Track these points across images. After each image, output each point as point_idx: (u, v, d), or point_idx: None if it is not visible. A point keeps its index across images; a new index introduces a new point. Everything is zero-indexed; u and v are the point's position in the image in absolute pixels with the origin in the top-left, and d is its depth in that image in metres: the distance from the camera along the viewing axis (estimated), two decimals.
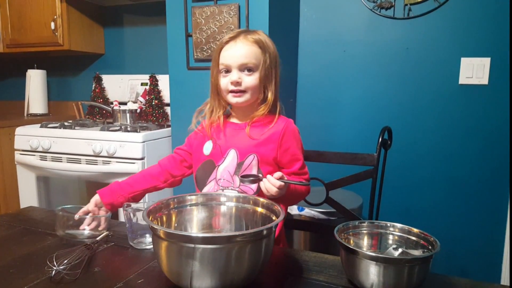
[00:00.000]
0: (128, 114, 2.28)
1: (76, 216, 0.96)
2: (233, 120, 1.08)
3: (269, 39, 1.03)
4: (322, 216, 1.66)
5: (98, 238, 0.89)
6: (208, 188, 1.03)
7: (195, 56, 1.83)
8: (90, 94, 2.58)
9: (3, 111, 3.00)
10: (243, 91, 1.00)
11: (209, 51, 1.79)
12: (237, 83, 0.98)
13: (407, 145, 1.96)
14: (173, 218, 0.81)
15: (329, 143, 2.11)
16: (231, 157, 1.01)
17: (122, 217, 1.62)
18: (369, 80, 2.02)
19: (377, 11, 1.95)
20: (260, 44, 1.00)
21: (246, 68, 0.99)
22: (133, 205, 0.93)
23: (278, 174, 0.87)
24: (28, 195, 2.16)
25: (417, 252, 0.74)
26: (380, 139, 1.25)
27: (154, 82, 2.33)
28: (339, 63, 2.07)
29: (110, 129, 2.05)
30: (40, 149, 2.06)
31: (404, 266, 0.65)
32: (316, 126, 2.14)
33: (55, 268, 0.72)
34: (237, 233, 0.72)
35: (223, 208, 0.85)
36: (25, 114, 2.74)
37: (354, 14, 2.00)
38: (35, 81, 2.71)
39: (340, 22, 2.04)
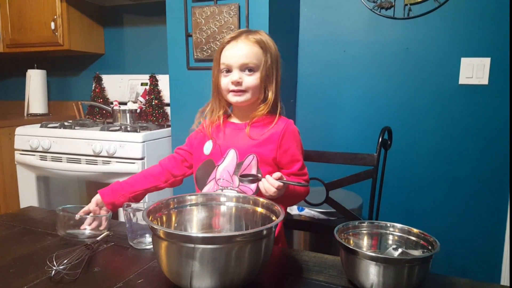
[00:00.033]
0: (128, 114, 2.28)
1: (77, 216, 0.96)
2: (233, 120, 1.08)
3: (270, 40, 1.03)
4: (322, 216, 1.66)
5: (98, 238, 0.89)
6: (208, 188, 1.03)
7: (195, 56, 1.83)
8: (90, 94, 2.58)
9: (3, 111, 3.00)
10: (244, 91, 1.00)
11: (209, 51, 1.79)
12: (238, 83, 0.99)
13: (407, 145, 1.96)
14: (173, 218, 0.81)
15: (329, 143, 2.11)
16: (231, 157, 1.01)
17: (122, 217, 1.62)
18: (369, 80, 2.02)
19: (377, 11, 1.95)
20: (261, 44, 1.00)
21: (247, 68, 0.99)
22: (133, 205, 0.93)
23: (277, 174, 0.87)
24: (28, 195, 2.16)
25: (417, 252, 0.74)
26: (380, 139, 1.25)
27: (154, 82, 2.33)
28: (339, 63, 2.07)
29: (110, 129, 2.05)
30: (40, 149, 2.06)
31: (404, 266, 0.65)
32: (316, 126, 2.14)
33: (55, 268, 0.72)
34: (237, 233, 0.72)
35: (223, 208, 0.85)
36: (25, 114, 2.74)
37: (354, 14, 2.00)
38: (35, 81, 2.71)
39: (340, 22, 2.04)
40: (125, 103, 2.35)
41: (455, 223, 1.93)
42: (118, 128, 2.06)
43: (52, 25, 2.36)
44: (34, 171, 2.13)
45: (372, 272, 0.66)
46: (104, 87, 2.59)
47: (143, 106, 2.35)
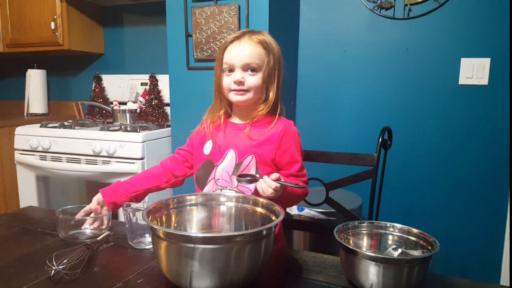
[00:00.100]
0: (128, 114, 2.28)
1: (77, 217, 0.96)
2: (234, 120, 1.08)
3: (273, 40, 1.04)
4: (322, 216, 1.66)
5: (99, 238, 0.89)
6: (208, 188, 1.03)
7: (195, 56, 1.83)
8: (90, 94, 2.58)
9: (3, 111, 3.00)
10: (246, 90, 1.00)
11: (209, 51, 1.79)
12: (240, 83, 0.99)
13: (407, 145, 1.96)
14: (173, 218, 0.81)
15: (329, 143, 2.11)
16: (230, 157, 1.01)
17: (122, 217, 1.62)
18: (369, 80, 2.02)
19: (377, 11, 1.95)
20: (264, 44, 1.01)
21: (250, 68, 0.99)
22: (133, 205, 0.93)
23: (275, 175, 0.87)
24: (28, 195, 2.16)
25: (416, 253, 0.74)
26: (380, 139, 1.25)
27: (154, 82, 2.33)
28: (339, 63, 2.07)
29: (110, 129, 2.05)
30: (40, 148, 2.06)
31: (403, 267, 0.65)
32: (316, 126, 2.14)
33: (54, 267, 0.72)
34: (236, 233, 0.72)
35: (222, 208, 0.85)
36: (25, 114, 2.74)
37: (354, 14, 2.00)
38: (35, 80, 2.71)
39: (340, 22, 2.04)
40: (125, 103, 2.35)
41: (455, 223, 1.93)
42: (118, 128, 2.06)
43: (52, 25, 2.36)
44: (34, 171, 2.13)
45: (371, 272, 0.66)
46: (104, 87, 2.59)
47: (143, 106, 2.35)
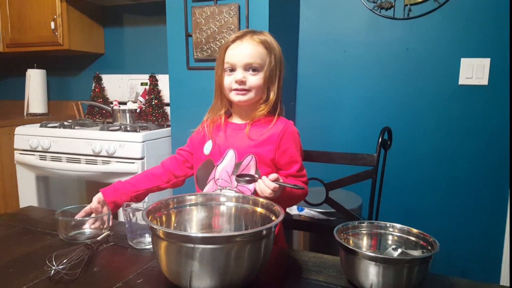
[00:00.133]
0: (127, 114, 2.28)
1: (78, 218, 0.96)
2: (234, 120, 1.08)
3: (274, 41, 1.04)
4: (322, 216, 1.66)
5: (98, 238, 0.89)
6: (208, 188, 1.03)
7: (195, 56, 1.83)
8: (90, 93, 2.58)
9: (3, 111, 2.99)
10: (247, 90, 1.00)
11: (209, 51, 1.79)
12: (242, 82, 0.99)
13: (407, 145, 1.96)
14: (173, 218, 0.81)
15: (329, 143, 2.11)
16: (230, 157, 1.01)
17: (121, 217, 1.62)
18: (369, 80, 2.02)
19: (377, 12, 1.95)
20: (266, 44, 1.01)
21: (251, 68, 1.00)
22: (133, 205, 0.93)
23: (273, 176, 0.86)
24: (28, 195, 2.16)
25: (416, 253, 0.74)
26: (380, 140, 1.25)
27: (154, 82, 2.33)
28: (339, 64, 2.07)
29: (110, 129, 2.05)
30: (39, 148, 2.06)
31: (403, 267, 0.65)
32: (316, 126, 2.14)
33: (54, 267, 0.72)
34: (236, 233, 0.72)
35: (222, 208, 0.85)
36: (25, 114, 2.74)
37: (354, 14, 2.00)
38: (35, 80, 2.71)
39: (340, 22, 2.04)
40: (125, 103, 2.35)
41: (455, 223, 1.93)
42: (118, 128, 2.06)
43: (52, 25, 2.36)
44: (34, 170, 2.13)
45: (371, 272, 0.66)
46: (104, 87, 2.59)
47: (143, 106, 2.35)
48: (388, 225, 0.80)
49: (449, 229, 1.93)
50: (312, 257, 0.84)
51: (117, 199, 1.03)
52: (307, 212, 1.68)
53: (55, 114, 2.82)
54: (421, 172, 1.96)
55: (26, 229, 1.00)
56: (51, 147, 2.04)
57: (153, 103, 2.31)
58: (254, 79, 1.00)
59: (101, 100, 2.52)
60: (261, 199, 0.82)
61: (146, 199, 1.11)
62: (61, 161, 2.03)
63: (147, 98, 2.34)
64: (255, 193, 0.97)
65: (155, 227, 0.65)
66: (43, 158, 2.07)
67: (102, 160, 1.93)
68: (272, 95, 1.02)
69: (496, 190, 1.84)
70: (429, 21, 1.87)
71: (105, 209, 1.02)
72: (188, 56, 1.85)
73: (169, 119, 2.14)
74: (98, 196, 1.03)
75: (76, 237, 0.92)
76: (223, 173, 1.01)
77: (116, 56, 2.68)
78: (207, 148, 1.05)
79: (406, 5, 1.88)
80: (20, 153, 2.14)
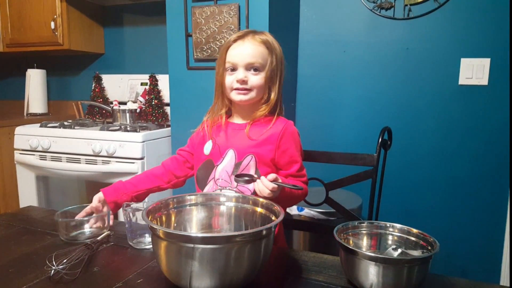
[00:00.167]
0: (127, 114, 2.28)
1: (78, 218, 0.96)
2: (235, 120, 1.08)
3: (275, 41, 1.04)
4: (322, 216, 1.66)
5: (98, 238, 0.89)
6: (208, 188, 1.03)
7: (195, 56, 1.83)
8: (90, 93, 2.58)
9: (3, 111, 3.00)
10: (249, 89, 1.00)
11: (209, 51, 1.79)
12: (243, 82, 0.99)
13: (407, 145, 1.96)
14: (173, 218, 0.81)
15: (329, 144, 2.11)
16: (229, 157, 1.01)
17: (121, 217, 1.62)
18: (369, 80, 2.02)
19: (377, 12, 1.95)
20: (267, 44, 1.01)
21: (253, 67, 1.00)
22: (133, 205, 0.93)
23: (272, 176, 0.86)
24: (28, 195, 2.16)
25: (416, 253, 0.74)
26: (380, 140, 1.25)
27: (154, 82, 2.33)
28: (339, 64, 2.07)
29: (110, 128, 2.05)
30: (39, 148, 2.06)
31: (403, 267, 0.65)
32: (316, 126, 2.14)
33: (54, 267, 0.72)
34: (236, 233, 0.72)
35: (222, 208, 0.85)
36: (25, 114, 2.74)
37: (354, 14, 2.00)
38: (35, 80, 2.71)
39: (340, 22, 2.04)
40: (125, 103, 2.35)
41: (455, 223, 1.93)
42: (118, 128, 2.06)
43: (52, 24, 2.36)
44: (34, 170, 2.13)
45: (371, 272, 0.66)
46: (104, 87, 2.59)
47: (143, 106, 2.35)
48: (388, 225, 0.80)
49: (449, 229, 1.93)
50: (312, 257, 0.84)
51: (117, 199, 1.03)
52: (307, 212, 1.68)
53: (55, 114, 2.82)
54: (421, 172, 1.96)
55: (26, 229, 1.00)
56: (51, 147, 2.04)
57: (153, 103, 2.31)
58: (256, 79, 1.00)
59: (101, 100, 2.52)
60: (261, 199, 0.82)
61: (146, 199, 1.11)
62: (61, 161, 2.03)
63: (147, 98, 2.34)
64: (255, 193, 0.97)
65: (155, 227, 0.65)
66: (43, 158, 2.07)
67: (102, 160, 1.93)
68: (273, 95, 1.02)
69: (496, 190, 1.84)
70: (429, 21, 1.87)
71: (105, 209, 1.02)
72: (188, 56, 1.85)
73: (169, 119, 2.14)
74: (99, 196, 1.03)
75: (77, 237, 0.92)
76: (223, 173, 1.01)
77: (116, 56, 2.68)
78: (207, 148, 1.05)
79: (406, 5, 1.88)
80: (20, 153, 2.14)
